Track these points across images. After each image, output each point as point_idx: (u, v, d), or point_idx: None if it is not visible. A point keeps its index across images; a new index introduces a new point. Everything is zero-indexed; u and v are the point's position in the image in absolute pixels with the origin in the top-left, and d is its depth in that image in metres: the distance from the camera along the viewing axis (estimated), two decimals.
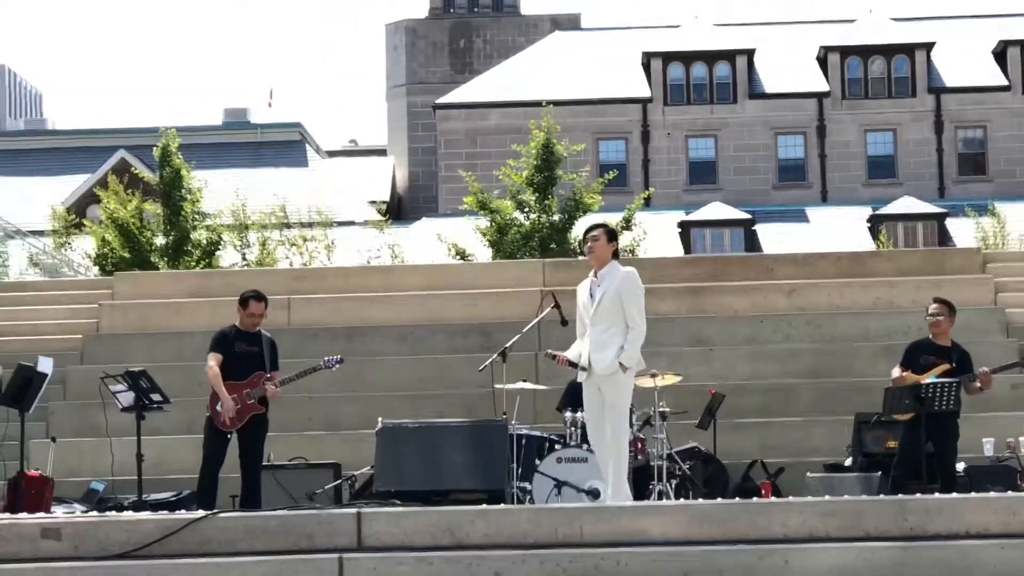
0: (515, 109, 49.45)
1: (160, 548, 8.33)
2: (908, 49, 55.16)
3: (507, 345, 12.24)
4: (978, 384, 12.89)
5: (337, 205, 46.52)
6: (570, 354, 10.65)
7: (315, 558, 8.17)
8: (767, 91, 55.76)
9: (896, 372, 13.12)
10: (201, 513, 9.12)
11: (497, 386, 12.68)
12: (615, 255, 10.92)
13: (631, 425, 13.06)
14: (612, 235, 11.08)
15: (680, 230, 46.57)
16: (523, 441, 10.85)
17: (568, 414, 13.14)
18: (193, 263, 31.14)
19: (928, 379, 12.80)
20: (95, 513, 11.92)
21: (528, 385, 13.53)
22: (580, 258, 28.85)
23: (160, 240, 31.92)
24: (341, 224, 39.68)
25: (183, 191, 32.63)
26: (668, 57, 55.98)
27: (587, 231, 11.22)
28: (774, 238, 46.19)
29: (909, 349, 13.24)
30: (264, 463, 12.41)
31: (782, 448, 14.84)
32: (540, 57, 58.93)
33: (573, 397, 13.63)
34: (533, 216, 33.04)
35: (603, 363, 10.41)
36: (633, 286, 10.65)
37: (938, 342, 13.10)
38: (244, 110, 65.17)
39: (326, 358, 12.82)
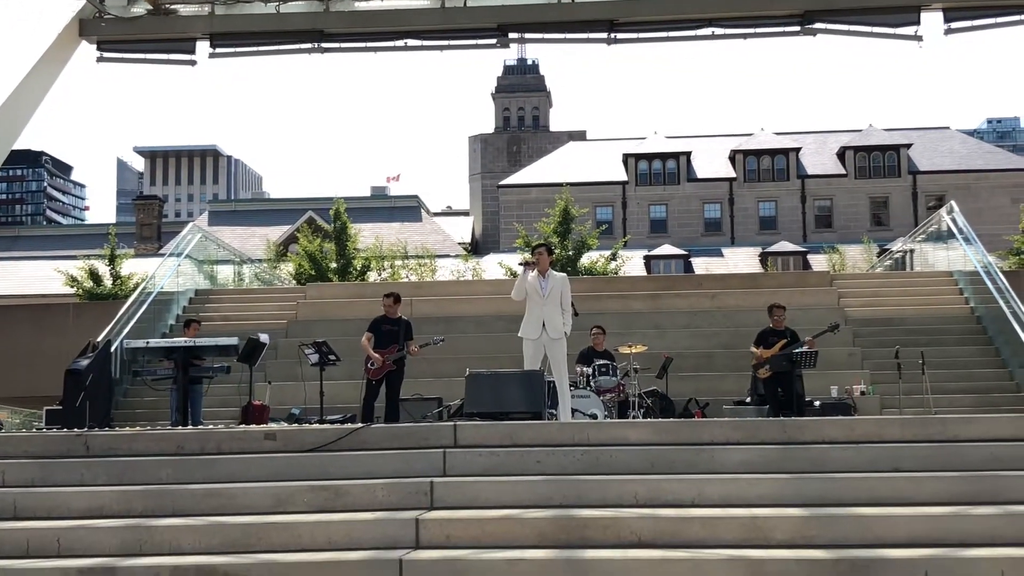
0: (546, 188, 49.29)
1: (336, 445, 8.40)
2: (784, 151, 55.02)
3: None
4: (805, 346, 12.72)
5: (439, 245, 46.76)
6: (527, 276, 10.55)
7: (428, 451, 8.19)
8: (698, 176, 55.63)
9: (754, 349, 13.03)
10: (361, 424, 9.22)
11: None
12: (551, 264, 10.76)
13: (616, 374, 13.10)
14: (550, 250, 10.88)
15: (644, 261, 46.40)
16: (551, 384, 10.85)
17: (578, 368, 13.17)
18: (353, 278, 31.27)
19: (778, 349, 12.72)
20: (296, 425, 12.01)
21: None
22: (584, 276, 28.98)
23: (333, 264, 32.09)
24: (441, 256, 39.74)
25: (347, 236, 32.80)
26: (638, 157, 55.96)
27: (534, 248, 11.00)
28: (702, 266, 45.91)
29: (761, 333, 13.14)
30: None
31: (708, 391, 14.80)
32: (561, 157, 59.21)
33: (582, 357, 13.68)
34: (557, 251, 32.88)
35: (556, 331, 10.37)
36: (567, 285, 10.58)
37: (777, 328, 13.05)
38: (384, 187, 65.79)
39: (434, 337, 12.86)
